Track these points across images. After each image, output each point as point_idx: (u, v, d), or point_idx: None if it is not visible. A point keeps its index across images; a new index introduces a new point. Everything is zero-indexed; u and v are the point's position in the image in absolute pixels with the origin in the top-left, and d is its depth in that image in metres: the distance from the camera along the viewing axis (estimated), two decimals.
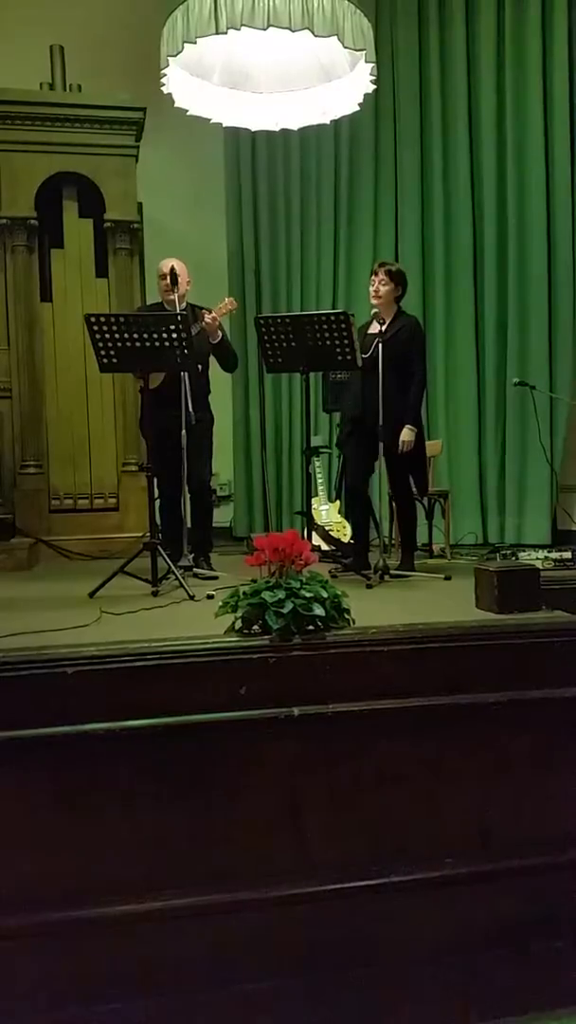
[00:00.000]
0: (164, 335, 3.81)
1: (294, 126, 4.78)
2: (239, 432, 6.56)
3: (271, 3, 3.78)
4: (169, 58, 4.06)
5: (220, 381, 5.38)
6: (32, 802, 2.32)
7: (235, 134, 6.17)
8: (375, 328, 4.30)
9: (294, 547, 2.62)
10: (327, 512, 5.59)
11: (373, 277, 4.42)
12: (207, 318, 4.46)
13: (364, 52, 4.06)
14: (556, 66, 6.26)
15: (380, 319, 4.31)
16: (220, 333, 4.62)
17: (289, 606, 2.53)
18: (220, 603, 2.68)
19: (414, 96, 6.43)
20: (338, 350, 4.06)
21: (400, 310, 4.44)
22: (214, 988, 2.34)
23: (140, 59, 5.20)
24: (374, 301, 4.37)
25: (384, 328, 4.24)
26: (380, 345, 4.16)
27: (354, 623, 2.71)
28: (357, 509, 4.65)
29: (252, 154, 6.46)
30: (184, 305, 4.40)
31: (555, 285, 6.37)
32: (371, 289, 4.41)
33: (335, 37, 3.90)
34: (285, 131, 5.01)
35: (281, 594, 2.56)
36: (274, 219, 6.54)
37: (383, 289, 4.35)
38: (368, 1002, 2.40)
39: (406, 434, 4.24)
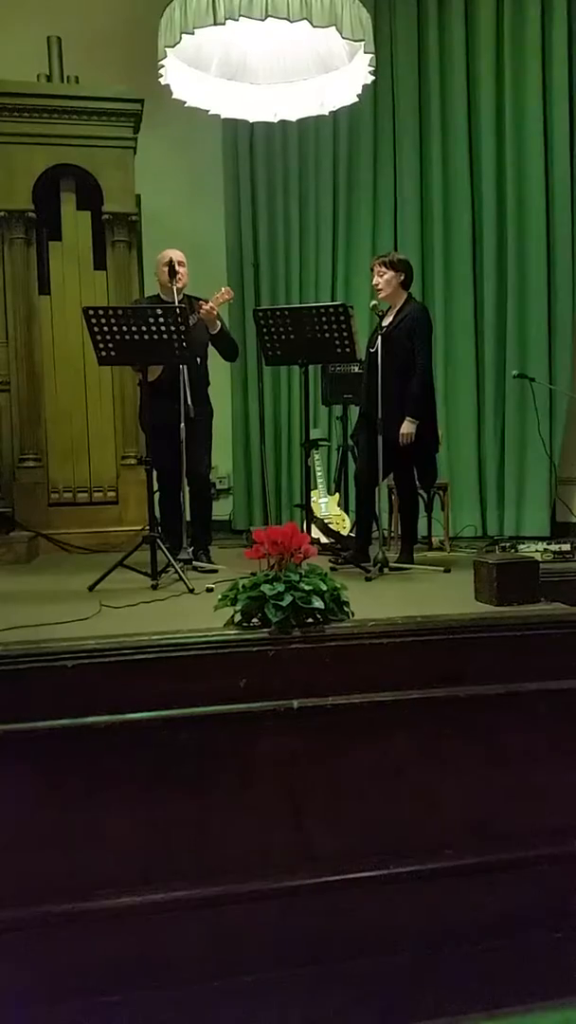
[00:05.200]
0: (162, 327, 3.80)
1: (292, 117, 4.76)
2: (238, 425, 6.55)
3: None
4: (167, 49, 4.04)
5: (219, 374, 5.37)
6: (32, 795, 2.32)
7: (233, 125, 6.14)
8: (385, 321, 4.29)
9: (293, 540, 2.63)
10: (326, 505, 5.59)
11: (372, 272, 4.41)
12: (203, 308, 4.44)
13: (363, 43, 4.04)
14: (555, 54, 6.22)
15: (379, 312, 4.30)
16: (219, 323, 4.60)
17: (288, 599, 2.54)
18: (219, 596, 2.68)
19: (413, 86, 6.39)
20: (337, 343, 4.06)
21: (409, 297, 4.40)
22: (214, 980, 2.35)
23: (137, 50, 5.17)
24: (379, 294, 4.35)
25: (388, 320, 4.23)
26: (381, 337, 4.15)
27: (353, 616, 2.71)
28: (362, 504, 4.62)
29: (250, 146, 6.43)
30: (182, 297, 4.38)
31: (554, 277, 6.36)
32: (373, 283, 4.40)
33: (333, 28, 3.88)
34: (283, 122, 4.98)
35: (280, 587, 2.56)
36: (273, 211, 6.52)
37: (383, 279, 4.33)
38: (369, 993, 2.40)
39: (406, 426, 4.22)
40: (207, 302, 4.47)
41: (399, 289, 4.35)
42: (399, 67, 6.37)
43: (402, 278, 4.34)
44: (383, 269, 4.33)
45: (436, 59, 6.36)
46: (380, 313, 4.33)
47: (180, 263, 4.44)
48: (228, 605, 2.64)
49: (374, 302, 4.35)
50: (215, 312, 4.49)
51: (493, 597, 2.96)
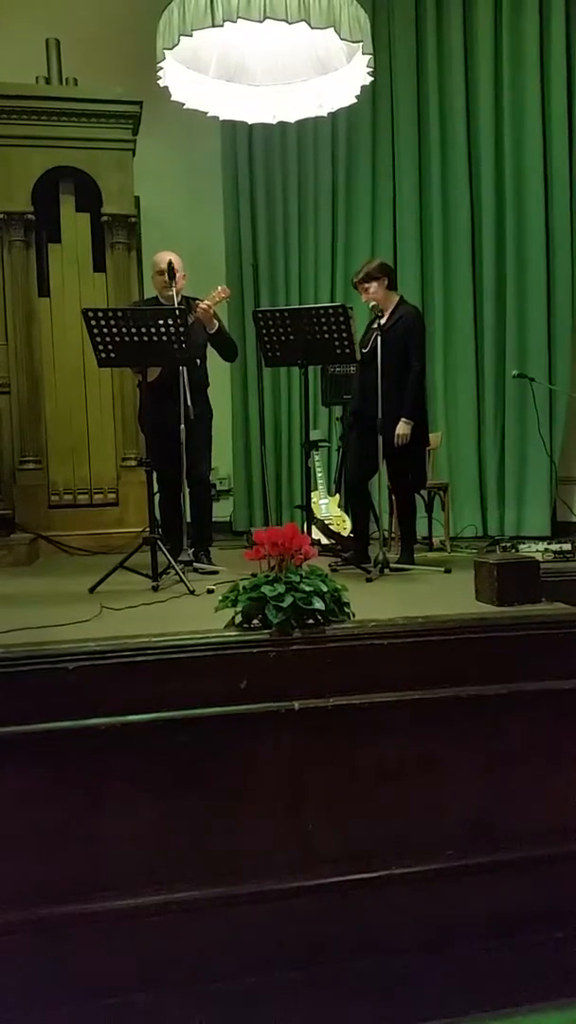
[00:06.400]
0: (162, 329, 3.80)
1: (291, 119, 4.76)
2: (238, 426, 6.56)
3: None
4: (165, 51, 4.05)
5: (219, 375, 5.37)
6: (33, 797, 2.32)
7: (232, 127, 6.15)
8: (378, 322, 4.30)
9: (293, 541, 2.62)
10: (327, 506, 5.59)
11: (357, 290, 4.41)
12: (200, 307, 4.43)
13: (361, 44, 4.04)
14: (553, 53, 6.23)
15: (377, 312, 4.31)
16: (216, 323, 4.59)
17: (289, 600, 2.53)
18: (220, 598, 2.68)
19: (411, 87, 6.40)
20: (336, 343, 4.06)
21: (401, 299, 4.42)
22: (215, 982, 2.35)
23: (136, 52, 5.17)
24: (372, 304, 4.36)
25: (384, 321, 4.24)
26: (378, 338, 4.16)
27: (354, 617, 2.71)
28: (357, 503, 4.64)
29: (249, 147, 6.44)
30: (180, 298, 4.38)
31: (554, 276, 6.36)
32: (363, 300, 4.41)
33: (331, 29, 3.88)
34: (282, 124, 4.98)
35: (281, 588, 2.56)
36: (272, 212, 6.53)
37: (371, 294, 4.35)
38: (370, 994, 2.40)
39: (401, 427, 4.23)
40: (204, 301, 4.46)
41: (388, 293, 4.38)
42: (398, 68, 6.38)
43: (387, 283, 4.37)
44: (367, 284, 4.34)
45: (434, 59, 6.37)
46: (379, 313, 4.33)
47: (176, 265, 4.43)
48: (229, 606, 2.64)
49: (373, 303, 4.36)
50: (211, 311, 4.49)
51: (494, 597, 2.96)
